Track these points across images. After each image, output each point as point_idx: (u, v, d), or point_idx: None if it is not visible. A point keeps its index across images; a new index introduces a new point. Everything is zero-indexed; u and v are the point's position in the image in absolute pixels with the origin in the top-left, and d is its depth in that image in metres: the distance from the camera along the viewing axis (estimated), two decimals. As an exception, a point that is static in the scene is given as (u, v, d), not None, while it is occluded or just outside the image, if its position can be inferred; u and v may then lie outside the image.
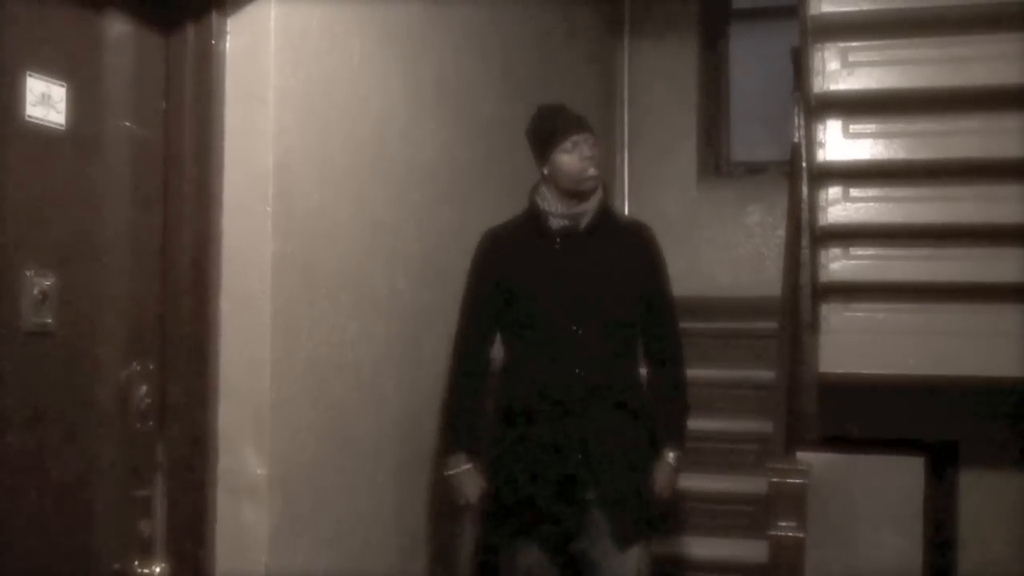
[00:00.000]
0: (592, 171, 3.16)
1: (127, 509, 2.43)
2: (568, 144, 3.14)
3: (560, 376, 3.12)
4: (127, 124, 2.42)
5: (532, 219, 3.25)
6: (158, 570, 2.43)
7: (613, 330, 3.18)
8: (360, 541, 3.07)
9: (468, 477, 3.23)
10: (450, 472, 3.26)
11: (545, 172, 3.21)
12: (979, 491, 5.31)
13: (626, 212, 6.01)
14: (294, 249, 2.70)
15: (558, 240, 3.19)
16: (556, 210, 3.18)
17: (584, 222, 3.19)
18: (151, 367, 2.49)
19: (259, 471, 2.58)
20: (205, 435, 2.55)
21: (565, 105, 3.32)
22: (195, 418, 2.54)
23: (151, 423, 2.49)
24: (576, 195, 3.18)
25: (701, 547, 3.93)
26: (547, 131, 3.21)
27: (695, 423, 4.37)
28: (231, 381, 2.59)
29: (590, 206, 3.19)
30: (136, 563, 2.42)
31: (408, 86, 3.38)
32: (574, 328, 3.12)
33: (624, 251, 3.25)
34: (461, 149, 3.82)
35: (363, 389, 3.08)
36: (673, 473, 3.27)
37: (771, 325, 4.31)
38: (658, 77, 6.22)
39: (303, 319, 2.75)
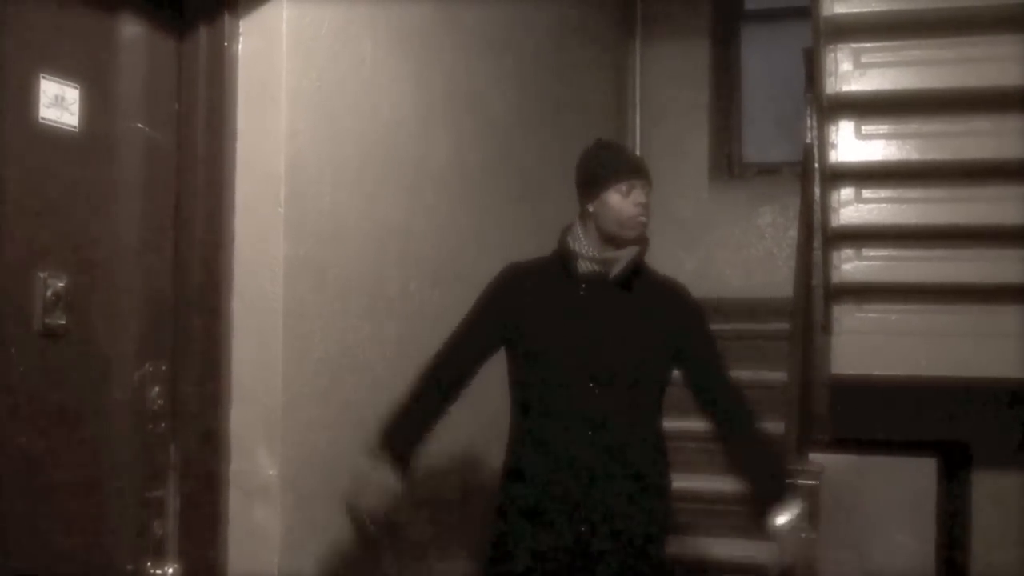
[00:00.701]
0: (644, 219, 2.86)
1: (140, 510, 2.44)
2: (624, 186, 2.84)
3: (572, 438, 2.78)
4: (140, 126, 2.43)
5: (559, 260, 2.93)
6: (171, 571, 2.44)
7: (638, 392, 2.85)
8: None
9: (378, 477, 2.73)
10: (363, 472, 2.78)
11: (590, 209, 2.87)
12: (992, 492, 5.29)
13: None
14: (306, 251, 2.70)
15: (583, 286, 2.86)
16: (587, 252, 2.86)
17: (615, 270, 2.86)
18: (164, 368, 2.50)
19: (271, 472, 2.59)
20: (217, 436, 2.56)
21: (625, 146, 3.07)
22: (207, 419, 2.55)
23: (164, 424, 2.50)
24: (614, 241, 2.86)
25: (714, 548, 3.92)
26: (605, 167, 2.89)
27: (704, 425, 4.37)
28: (243, 382, 2.60)
29: (625, 254, 2.87)
30: (149, 564, 2.43)
31: (419, 88, 3.38)
32: (591, 386, 2.78)
33: (658, 309, 2.92)
34: (472, 151, 3.82)
35: (375, 390, 3.08)
36: (799, 538, 2.82)
37: (783, 326, 4.30)
38: (670, 78, 6.20)
39: (315, 320, 2.76)
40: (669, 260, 6.12)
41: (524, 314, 2.88)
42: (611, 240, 2.86)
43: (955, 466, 5.38)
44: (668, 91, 6.19)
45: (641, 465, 2.83)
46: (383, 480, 2.73)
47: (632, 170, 2.89)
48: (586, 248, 2.87)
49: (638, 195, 2.85)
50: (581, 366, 2.79)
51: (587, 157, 2.97)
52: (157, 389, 2.48)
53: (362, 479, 2.73)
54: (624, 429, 2.81)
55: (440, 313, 3.47)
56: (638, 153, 6.01)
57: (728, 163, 6.26)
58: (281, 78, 2.61)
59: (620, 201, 2.84)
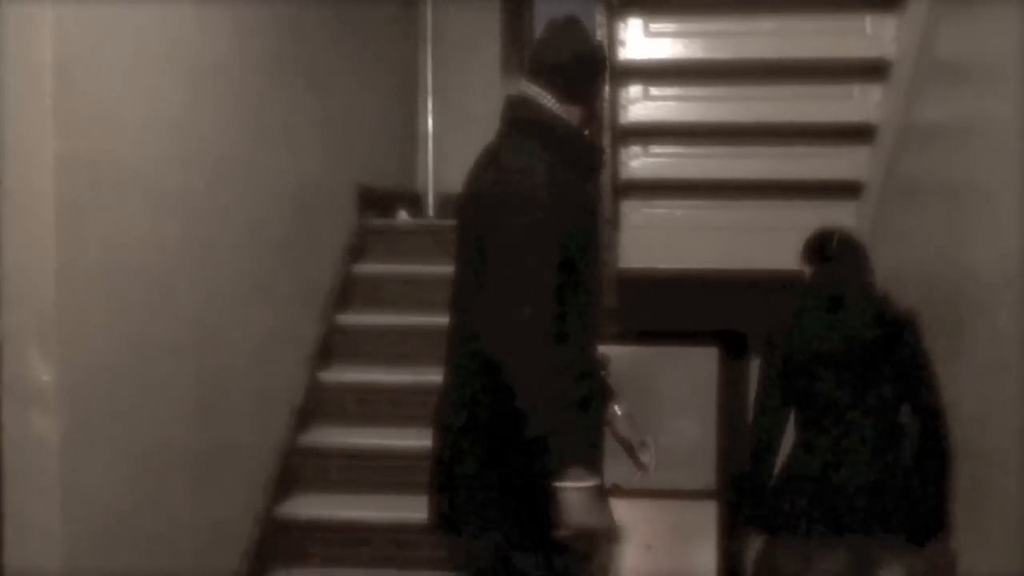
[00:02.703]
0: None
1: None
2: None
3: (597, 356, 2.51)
4: None
5: (574, 153, 2.41)
6: (-61, 484, 2.32)
7: None
8: (159, 445, 2.99)
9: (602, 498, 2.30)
10: (583, 485, 2.21)
11: (596, 105, 2.49)
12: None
13: (429, 110, 5.94)
14: (79, 146, 2.56)
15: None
16: None
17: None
18: (-77, 272, 2.33)
19: (46, 378, 2.47)
20: (-13, 342, 2.43)
21: None
22: (-25, 325, 2.40)
23: (-74, 331, 2.34)
24: None
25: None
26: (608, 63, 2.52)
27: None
28: (15, 285, 2.46)
29: None
30: (-86, 478, 2.30)
31: (199, -26, 3.22)
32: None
33: None
34: (256, 41, 3.67)
35: (157, 292, 2.97)
36: None
37: (573, 222, 4.36)
38: (462, -28, 6.13)
39: (90, 219, 2.62)
40: (461, 157, 6.08)
41: (586, 227, 2.39)
42: None
43: (734, 354, 5.64)
44: (461, -15, 6.11)
45: None
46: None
47: None
48: None
49: None
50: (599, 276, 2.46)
51: (592, 40, 2.55)
52: (-83, 294, 2.32)
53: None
54: None
55: (226, 211, 3.37)
56: (430, 49, 5.96)
57: (520, 59, 6.26)
58: (45, -41, 2.43)
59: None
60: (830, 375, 2.98)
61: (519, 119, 2.44)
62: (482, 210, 2.31)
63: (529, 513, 2.29)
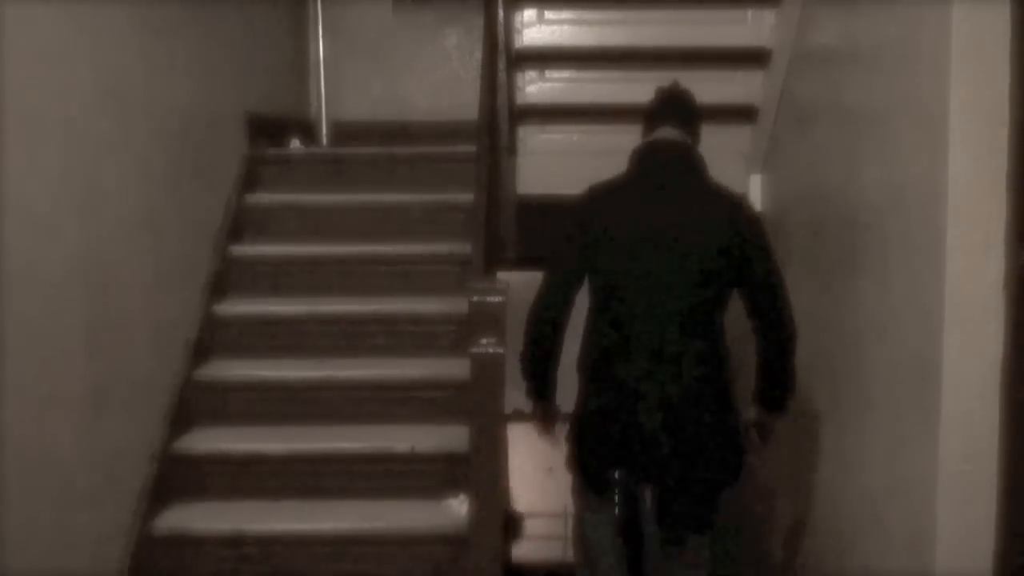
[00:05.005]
0: None
1: None
2: None
3: None
4: None
5: None
6: None
7: None
8: (48, 388, 2.91)
9: None
10: None
11: None
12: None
13: (320, 37, 5.81)
14: (-52, 74, 2.43)
15: None
16: None
17: None
18: None
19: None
20: None
21: None
22: None
23: None
24: None
25: (408, 367, 3.98)
26: None
27: (396, 248, 4.40)
28: None
29: None
30: None
31: None
32: None
33: None
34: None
35: (39, 228, 2.86)
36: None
37: (470, 148, 4.32)
38: None
39: (-36, 152, 2.51)
40: (356, 84, 6.01)
41: None
42: None
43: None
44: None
45: None
46: None
47: None
48: None
49: None
50: None
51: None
52: None
53: None
54: None
55: (107, 140, 3.26)
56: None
57: (412, -16, 6.16)
58: None
59: None
60: None
61: (698, 162, 3.10)
62: (732, 228, 2.94)
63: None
